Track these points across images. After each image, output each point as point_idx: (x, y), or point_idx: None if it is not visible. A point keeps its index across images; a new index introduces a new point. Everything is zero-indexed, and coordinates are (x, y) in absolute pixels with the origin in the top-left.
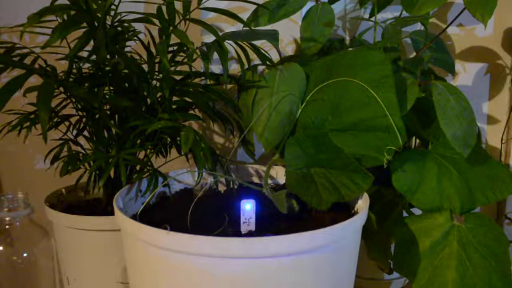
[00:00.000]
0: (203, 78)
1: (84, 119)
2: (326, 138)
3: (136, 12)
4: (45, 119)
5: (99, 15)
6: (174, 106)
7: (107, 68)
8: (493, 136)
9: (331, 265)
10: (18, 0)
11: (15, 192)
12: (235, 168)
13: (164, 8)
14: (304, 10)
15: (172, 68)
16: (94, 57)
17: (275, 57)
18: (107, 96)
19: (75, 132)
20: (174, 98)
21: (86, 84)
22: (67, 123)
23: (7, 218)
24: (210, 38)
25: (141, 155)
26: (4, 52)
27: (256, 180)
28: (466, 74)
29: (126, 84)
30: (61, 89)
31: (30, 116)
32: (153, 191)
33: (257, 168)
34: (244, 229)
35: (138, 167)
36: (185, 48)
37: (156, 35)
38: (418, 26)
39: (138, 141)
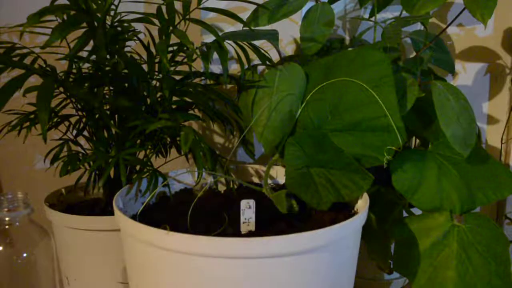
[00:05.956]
0: (203, 78)
1: (84, 119)
2: (326, 138)
3: (136, 12)
4: (45, 119)
5: (99, 15)
6: (174, 106)
7: (107, 68)
8: (493, 136)
9: (331, 265)
10: (18, 0)
11: (15, 192)
12: (235, 168)
13: (164, 8)
14: (304, 10)
15: (172, 68)
16: (94, 57)
17: (275, 57)
18: (107, 96)
19: (75, 132)
20: (174, 98)
21: (86, 84)
22: (67, 123)
23: (7, 218)
24: (210, 38)
25: (141, 155)
26: (4, 52)
27: (256, 180)
28: (466, 74)
29: (126, 84)
30: (61, 89)
31: (30, 116)
32: (153, 191)
33: (257, 168)
34: (244, 229)
35: (138, 167)
36: (185, 48)
37: (156, 35)
38: (418, 26)
39: (138, 141)
